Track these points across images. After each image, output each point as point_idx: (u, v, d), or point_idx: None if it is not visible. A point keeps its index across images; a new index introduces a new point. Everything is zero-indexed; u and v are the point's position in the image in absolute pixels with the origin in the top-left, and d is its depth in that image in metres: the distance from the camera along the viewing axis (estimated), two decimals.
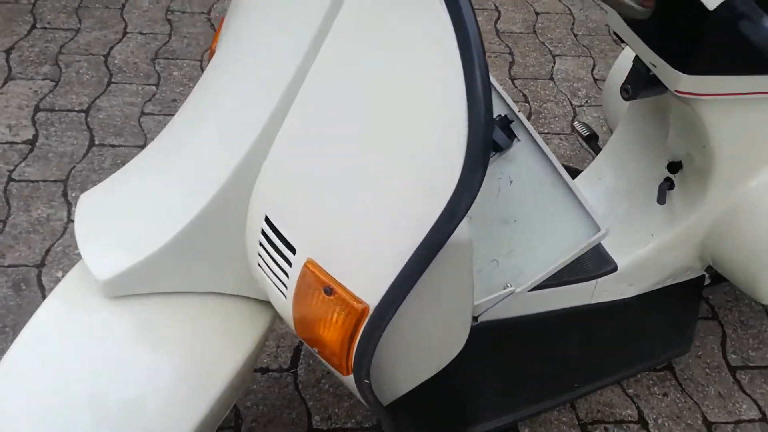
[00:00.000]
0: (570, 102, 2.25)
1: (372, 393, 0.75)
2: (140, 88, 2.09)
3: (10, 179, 1.78)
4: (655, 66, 0.91)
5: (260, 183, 0.73)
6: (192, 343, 0.80)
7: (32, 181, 1.79)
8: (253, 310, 0.88)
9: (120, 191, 0.81)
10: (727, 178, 1.11)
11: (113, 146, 1.90)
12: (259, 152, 0.72)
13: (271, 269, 0.75)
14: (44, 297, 1.55)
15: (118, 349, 0.77)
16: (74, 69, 2.12)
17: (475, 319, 0.95)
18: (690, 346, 1.31)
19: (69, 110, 1.99)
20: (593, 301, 1.28)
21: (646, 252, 1.23)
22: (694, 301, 1.35)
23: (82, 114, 1.98)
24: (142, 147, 1.90)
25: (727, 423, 1.52)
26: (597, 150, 1.50)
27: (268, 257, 0.75)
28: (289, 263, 0.71)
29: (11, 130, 1.91)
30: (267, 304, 0.90)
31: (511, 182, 0.99)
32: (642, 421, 1.51)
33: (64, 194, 1.77)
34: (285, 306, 0.76)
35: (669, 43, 0.89)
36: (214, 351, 0.81)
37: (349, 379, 0.75)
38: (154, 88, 2.10)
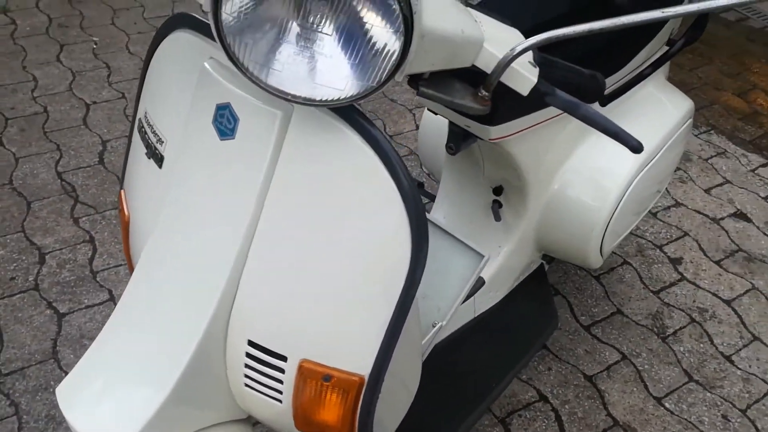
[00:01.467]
0: None
1: None
2: None
3: None
4: (469, 126, 1.19)
5: (237, 315, 0.86)
6: None
7: None
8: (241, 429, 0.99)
9: (97, 375, 0.89)
10: (537, 187, 1.43)
11: None
12: (229, 293, 0.85)
13: (261, 383, 0.88)
14: None
15: None
16: None
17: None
18: (558, 320, 1.62)
19: None
20: (476, 315, 1.54)
21: (499, 261, 1.51)
22: (545, 285, 1.67)
23: None
24: (0, 336, 1.83)
25: (600, 372, 1.86)
26: (428, 195, 1.78)
27: (257, 374, 0.88)
28: (282, 371, 0.85)
29: None
30: (245, 422, 1.02)
31: None
32: (542, 397, 1.79)
33: None
34: (281, 410, 0.89)
35: None
36: None
37: None
38: None
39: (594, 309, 2.06)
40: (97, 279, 2.02)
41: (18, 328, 1.87)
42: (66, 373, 1.73)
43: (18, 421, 1.65)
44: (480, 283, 1.51)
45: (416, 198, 0.77)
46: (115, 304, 0.92)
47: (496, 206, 1.49)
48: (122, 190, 1.14)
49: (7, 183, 2.36)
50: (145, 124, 1.03)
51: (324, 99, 0.73)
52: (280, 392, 0.87)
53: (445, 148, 1.28)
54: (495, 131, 1.18)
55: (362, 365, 0.82)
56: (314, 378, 0.83)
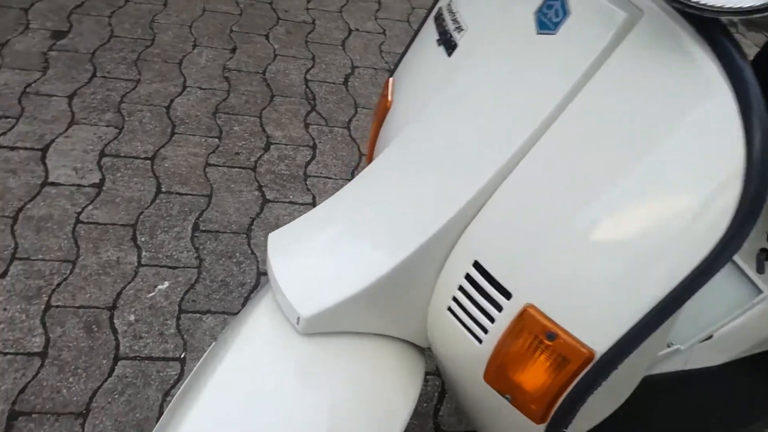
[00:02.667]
0: None
1: None
2: (203, 140, 2.13)
3: (78, 221, 1.78)
4: None
5: (474, 228, 0.76)
6: (375, 385, 0.81)
7: (100, 224, 1.79)
8: (416, 357, 0.90)
9: (315, 234, 0.84)
10: None
11: (180, 194, 1.92)
12: (478, 201, 0.75)
13: (468, 313, 0.77)
14: (117, 340, 1.53)
15: (316, 385, 0.78)
16: (137, 118, 2.15)
17: None
18: None
19: (134, 157, 2.01)
20: (685, 368, 1.31)
21: (741, 319, 1.28)
22: None
23: (148, 161, 2.00)
24: (209, 197, 1.93)
25: None
26: None
27: (468, 302, 0.77)
28: (499, 308, 0.74)
29: (77, 173, 1.92)
30: (422, 351, 0.92)
31: None
32: None
33: (133, 238, 1.76)
34: (476, 352, 0.77)
35: None
36: (393, 393, 0.82)
37: (536, 428, 0.76)
38: (216, 140, 2.13)
39: None
40: (307, 182, 2.05)
41: (226, 197, 1.95)
42: (252, 252, 1.77)
43: (197, 274, 1.71)
44: (707, 336, 1.29)
45: (764, 176, 0.60)
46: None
47: (764, 256, 1.25)
48: (391, 78, 1.09)
49: (261, 73, 2.49)
50: (446, 12, 0.96)
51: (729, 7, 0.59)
52: (485, 331, 0.75)
53: None
54: None
55: (599, 341, 0.67)
56: (534, 330, 0.70)
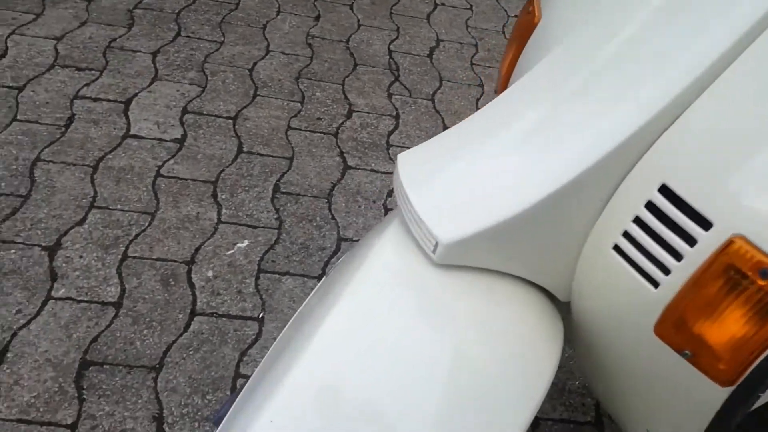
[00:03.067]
0: None
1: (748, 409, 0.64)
2: (285, 103, 2.06)
3: (158, 174, 1.73)
4: None
5: (664, 143, 0.65)
6: (517, 332, 0.70)
7: (181, 179, 1.73)
8: (553, 310, 0.78)
9: (453, 155, 0.73)
10: None
11: (261, 155, 1.85)
12: (677, 106, 0.63)
13: (645, 251, 0.65)
14: (194, 295, 1.46)
15: (447, 325, 0.67)
16: (220, 78, 2.10)
17: None
18: None
19: (216, 116, 1.95)
20: None
21: None
22: None
23: (230, 121, 1.95)
24: (290, 159, 1.85)
25: None
26: None
27: (646, 237, 0.65)
28: (692, 242, 0.62)
29: (159, 127, 1.87)
30: (558, 306, 0.81)
31: None
32: None
33: (214, 195, 1.70)
34: (648, 300, 0.65)
35: None
36: (533, 351, 0.71)
37: (718, 393, 0.63)
38: (298, 105, 2.06)
39: None
40: (389, 151, 1.96)
41: (307, 161, 1.87)
42: (333, 217, 1.69)
43: (277, 235, 1.64)
44: None
45: None
46: None
47: None
48: None
49: (344, 41, 2.41)
50: None
51: None
52: (667, 272, 0.63)
53: None
54: None
55: None
56: (743, 266, 0.58)
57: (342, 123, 2.03)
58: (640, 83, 0.66)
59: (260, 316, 1.45)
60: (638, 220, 0.66)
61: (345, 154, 1.92)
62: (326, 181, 1.82)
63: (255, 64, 2.19)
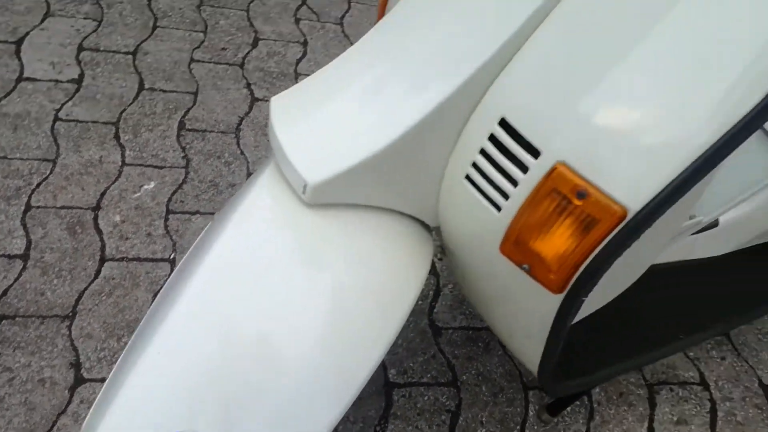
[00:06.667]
0: None
1: (576, 313, 0.72)
2: (187, 34, 2.00)
3: (56, 118, 1.68)
4: None
5: (502, 82, 0.69)
6: (383, 264, 0.76)
7: (81, 122, 1.69)
8: (424, 237, 0.84)
9: (322, 97, 0.75)
10: None
11: (164, 91, 1.81)
12: (510, 49, 0.67)
13: (489, 179, 0.71)
14: (102, 241, 1.47)
15: (321, 262, 0.72)
16: (116, 10, 2.01)
17: None
18: None
19: (115, 51, 1.89)
20: (694, 257, 1.28)
21: (747, 205, 1.22)
22: None
23: (129, 56, 1.88)
24: (195, 94, 1.82)
25: None
26: None
27: (490, 166, 0.70)
28: (524, 169, 0.68)
29: (55, 68, 1.80)
30: (430, 232, 0.87)
31: None
32: (704, 383, 1.51)
33: (116, 136, 1.67)
34: (493, 221, 0.71)
35: None
36: (401, 274, 0.77)
37: (552, 299, 0.71)
38: (201, 35, 2.01)
39: None
40: (298, 80, 1.94)
41: (213, 94, 1.84)
42: (242, 152, 1.69)
43: (185, 174, 1.64)
44: (714, 224, 1.24)
45: None
46: None
47: None
48: None
49: None
50: None
51: None
52: (506, 197, 0.70)
53: None
54: None
55: (633, 198, 0.62)
56: (564, 189, 0.65)
57: (248, 52, 1.99)
58: (485, 18, 0.69)
59: (171, 257, 1.47)
60: (483, 152, 0.71)
61: (252, 86, 1.89)
62: (233, 115, 1.80)
63: None
